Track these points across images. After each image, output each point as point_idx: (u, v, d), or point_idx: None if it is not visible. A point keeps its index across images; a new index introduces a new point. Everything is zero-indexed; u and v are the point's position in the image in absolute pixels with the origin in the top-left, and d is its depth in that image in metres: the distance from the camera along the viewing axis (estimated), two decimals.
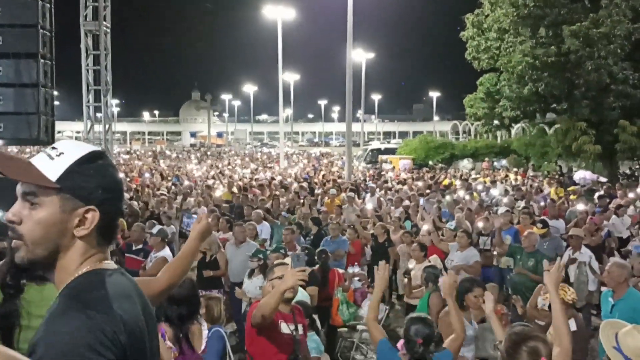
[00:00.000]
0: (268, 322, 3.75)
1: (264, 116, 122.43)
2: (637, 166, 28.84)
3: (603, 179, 21.72)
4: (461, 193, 16.05)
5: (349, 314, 7.33)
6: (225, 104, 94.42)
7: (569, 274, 7.56)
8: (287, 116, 69.88)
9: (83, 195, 1.48)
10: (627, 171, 29.23)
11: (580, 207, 11.57)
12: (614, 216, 11.83)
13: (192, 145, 78.44)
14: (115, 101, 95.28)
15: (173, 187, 18.76)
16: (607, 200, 14.78)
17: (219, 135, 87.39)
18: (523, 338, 2.59)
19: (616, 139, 22.52)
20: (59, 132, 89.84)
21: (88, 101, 9.27)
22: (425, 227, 9.54)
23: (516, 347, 2.57)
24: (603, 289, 7.04)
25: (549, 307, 5.48)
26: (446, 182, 22.11)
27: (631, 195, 15.46)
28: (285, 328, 3.92)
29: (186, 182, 20.42)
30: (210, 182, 20.72)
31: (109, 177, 1.55)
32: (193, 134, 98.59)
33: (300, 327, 4.03)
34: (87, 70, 9.21)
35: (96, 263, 1.53)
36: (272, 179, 22.64)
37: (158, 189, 17.68)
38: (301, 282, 3.68)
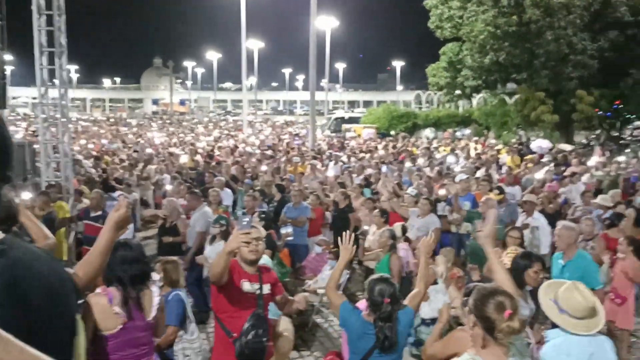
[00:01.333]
0: (223, 281, 3.84)
1: (227, 84, 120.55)
2: (593, 136, 29.67)
3: (568, 147, 22.20)
4: (421, 161, 16.29)
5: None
6: (188, 71, 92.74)
7: (523, 238, 7.81)
8: (251, 84, 69.02)
9: None
10: (584, 140, 30.09)
11: (540, 175, 11.86)
12: (570, 184, 12.19)
13: (154, 113, 76.93)
14: (73, 67, 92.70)
15: (134, 154, 18.48)
16: (563, 168, 15.24)
17: (182, 103, 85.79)
18: (491, 292, 2.70)
19: (573, 109, 23.06)
20: (13, 98, 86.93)
21: (41, 64, 8.93)
22: (386, 193, 9.68)
23: (484, 300, 2.67)
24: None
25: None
26: (415, 150, 22.31)
27: (589, 163, 15.95)
28: (248, 287, 3.98)
29: (147, 150, 20.12)
30: (173, 149, 20.48)
31: None
32: (155, 102, 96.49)
33: (266, 287, 4.09)
34: (40, 32, 8.85)
35: None
36: (236, 146, 22.50)
37: (118, 157, 17.38)
38: (244, 244, 3.73)
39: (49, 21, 8.83)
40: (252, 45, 53.70)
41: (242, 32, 35.34)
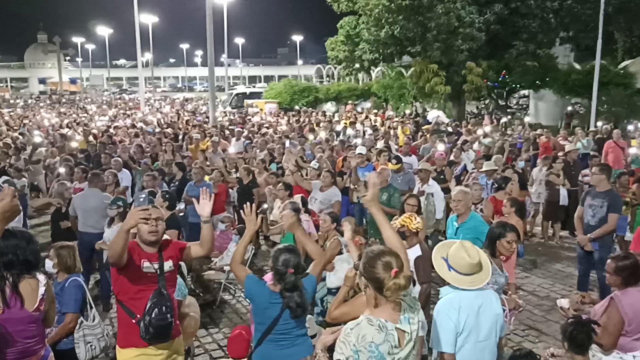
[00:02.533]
0: (123, 262, 3.75)
1: (122, 61, 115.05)
2: (483, 105, 31.36)
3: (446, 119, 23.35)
4: (323, 134, 16.50)
5: None
6: (78, 47, 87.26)
7: (420, 205, 8.18)
8: (146, 61, 66.28)
9: None
10: (475, 110, 31.74)
11: (441, 147, 12.36)
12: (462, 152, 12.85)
13: (42, 93, 72.08)
14: None
15: (20, 137, 17.29)
16: (455, 137, 16.04)
17: (73, 81, 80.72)
18: (378, 254, 2.81)
19: (464, 80, 24.20)
20: None
21: None
22: (290, 167, 9.72)
23: (372, 262, 2.77)
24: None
25: (400, 235, 5.95)
26: (317, 124, 22.50)
27: (479, 132, 16.87)
28: (148, 267, 3.91)
29: (36, 132, 18.88)
30: (64, 131, 19.35)
31: None
32: (42, 81, 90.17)
33: (167, 264, 4.02)
34: None
35: None
36: (133, 125, 21.64)
37: (2, 140, 16.18)
38: (143, 220, 3.66)
39: None
40: (146, 19, 51.38)
41: (135, 5, 33.74)
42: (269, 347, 3.90)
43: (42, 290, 3.52)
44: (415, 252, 5.52)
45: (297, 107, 33.64)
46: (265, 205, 8.23)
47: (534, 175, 10.95)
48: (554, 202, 10.29)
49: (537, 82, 26.02)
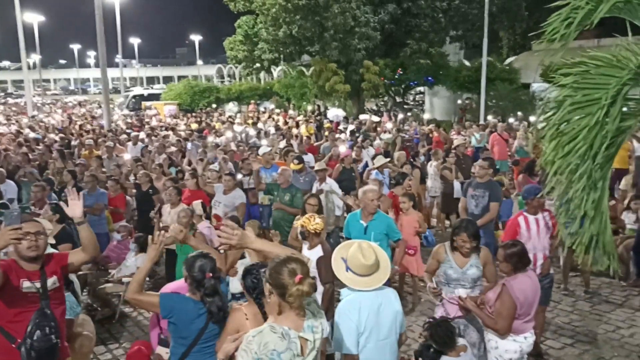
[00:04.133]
0: None
1: (5, 63, 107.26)
2: (382, 103, 32.25)
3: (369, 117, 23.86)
4: (229, 135, 16.27)
5: None
6: None
7: (321, 204, 8.25)
8: (33, 62, 62.22)
9: None
10: (374, 107, 32.58)
11: (343, 149, 12.51)
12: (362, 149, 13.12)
13: None
14: None
15: None
16: (357, 135, 16.37)
17: None
18: (284, 260, 2.77)
19: (362, 78, 24.77)
20: None
21: None
22: (191, 169, 9.48)
23: (278, 268, 2.74)
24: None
25: (301, 235, 5.95)
26: (218, 125, 22.12)
27: (378, 129, 17.33)
28: (28, 287, 3.65)
29: None
30: None
31: None
32: None
33: (51, 280, 3.75)
34: None
35: None
36: (19, 132, 20.20)
37: None
38: (14, 241, 3.41)
39: None
40: (30, 18, 48.19)
41: (16, 2, 31.51)
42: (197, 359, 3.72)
43: None
44: (317, 252, 5.54)
45: (200, 108, 32.97)
46: (165, 218, 7.95)
47: (428, 170, 11.38)
48: (448, 195, 10.75)
49: (430, 79, 27.13)
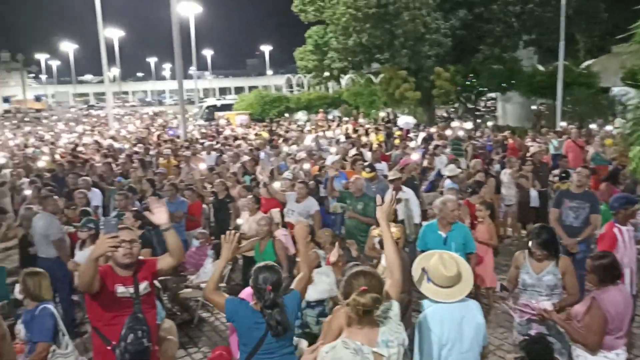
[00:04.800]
0: (94, 289, 3.66)
1: (88, 76, 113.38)
2: (452, 109, 31.73)
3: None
4: (300, 144, 16.45)
5: None
6: (42, 64, 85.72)
7: (397, 213, 8.17)
8: (114, 75, 65.44)
9: None
10: (444, 114, 32.10)
11: (415, 156, 12.39)
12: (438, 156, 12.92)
13: (7, 112, 70.44)
14: None
15: None
16: (428, 142, 16.15)
17: (37, 99, 79.18)
18: (357, 273, 2.77)
19: (433, 85, 24.45)
20: None
21: None
22: (276, 185, 9.57)
23: (349, 280, 2.74)
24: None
25: (380, 244, 5.92)
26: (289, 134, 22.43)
27: (448, 132, 17.03)
28: (122, 292, 3.81)
29: (0, 153, 18.44)
30: (29, 150, 18.92)
31: None
32: (6, 99, 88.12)
33: (142, 286, 3.91)
34: None
35: None
36: (96, 142, 21.24)
37: None
38: (112, 249, 3.56)
39: None
40: (111, 34, 50.80)
41: (99, 19, 33.26)
42: None
43: None
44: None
45: (271, 118, 33.59)
46: (239, 221, 8.13)
47: (502, 178, 11.06)
48: (525, 204, 10.40)
49: (503, 84, 26.43)
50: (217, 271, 4.01)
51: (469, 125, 20.46)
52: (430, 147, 14.47)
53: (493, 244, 7.24)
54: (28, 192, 9.91)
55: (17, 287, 4.61)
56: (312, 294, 5.65)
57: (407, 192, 8.63)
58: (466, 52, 26.02)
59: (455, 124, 20.02)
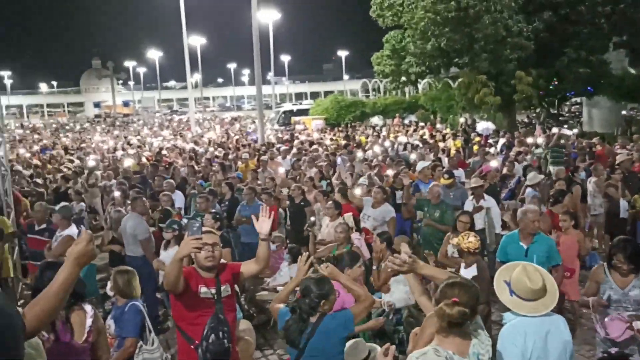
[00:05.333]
0: (178, 289, 3.80)
1: (172, 82, 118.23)
2: (534, 114, 30.62)
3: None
4: (376, 149, 16.39)
5: None
6: (130, 71, 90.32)
7: (474, 222, 7.98)
8: (196, 81, 67.89)
9: None
10: (525, 120, 31.02)
11: (494, 163, 12.08)
12: (516, 163, 12.52)
13: (97, 117, 74.73)
14: (6, 72, 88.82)
15: (77, 161, 17.92)
16: (509, 148, 15.67)
17: (126, 104, 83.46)
18: (451, 284, 2.76)
19: (514, 89, 23.69)
20: None
21: None
22: (357, 191, 9.58)
23: (444, 290, 2.73)
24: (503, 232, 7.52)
25: (458, 252, 5.81)
26: (363, 139, 22.44)
27: (529, 140, 16.44)
28: (205, 292, 3.93)
29: (91, 156, 19.55)
30: (118, 153, 19.96)
31: None
32: (97, 105, 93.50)
33: (224, 287, 4.02)
34: None
35: None
36: (175, 146, 22.05)
37: (61, 165, 16.82)
38: (196, 250, 3.68)
39: None
40: (194, 41, 52.78)
41: (183, 28, 34.69)
42: None
43: (89, 322, 3.58)
44: (471, 271, 5.38)
45: (347, 123, 33.70)
46: (312, 218, 8.20)
47: (588, 187, 10.54)
48: (613, 214, 9.86)
49: (590, 88, 25.22)
50: (288, 288, 4.11)
51: (570, 131, 19.26)
52: (511, 153, 14.05)
53: (584, 254, 6.91)
54: (117, 193, 10.43)
55: (108, 284, 4.86)
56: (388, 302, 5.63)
57: (488, 201, 8.39)
58: (550, 55, 25.00)
59: (554, 129, 19.02)
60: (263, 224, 4.10)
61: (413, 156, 14.40)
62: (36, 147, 24.90)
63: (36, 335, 2.33)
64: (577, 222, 7.07)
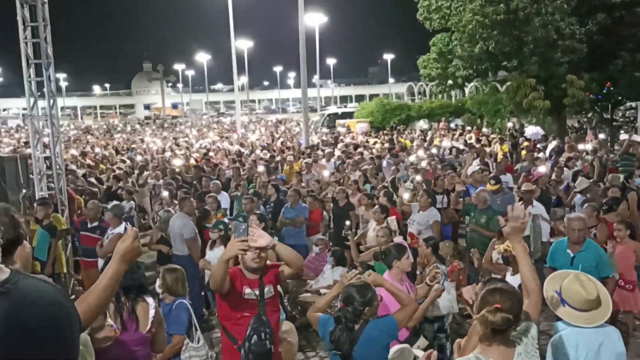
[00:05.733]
0: (224, 289, 3.85)
1: (219, 85, 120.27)
2: (585, 119, 29.70)
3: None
4: (420, 153, 16.24)
5: None
6: (179, 74, 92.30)
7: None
8: (242, 84, 68.79)
9: None
10: (576, 125, 30.13)
11: (543, 169, 11.78)
12: (565, 169, 12.19)
13: (147, 118, 76.64)
14: (62, 75, 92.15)
15: (128, 161, 18.40)
16: (558, 154, 15.25)
17: (174, 106, 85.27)
18: (493, 290, 2.69)
19: (564, 93, 23.05)
20: (4, 109, 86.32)
21: (29, 76, 8.87)
22: (406, 195, 9.54)
23: (485, 297, 2.66)
24: (552, 239, 7.31)
25: (504, 260, 5.69)
26: (409, 143, 22.29)
27: (580, 146, 15.97)
28: (249, 293, 3.97)
29: (139, 157, 20.05)
30: (167, 154, 20.41)
31: None
32: (147, 106, 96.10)
33: (268, 289, 4.05)
34: (26, 44, 8.78)
35: None
36: (220, 148, 22.32)
37: (113, 164, 17.31)
38: (242, 251, 3.71)
39: (35, 32, 8.76)
40: (242, 45, 53.51)
41: (231, 32, 35.21)
42: None
43: (152, 312, 3.70)
44: (519, 279, 5.24)
45: (391, 125, 33.51)
46: (348, 222, 8.20)
47: None
48: None
49: None
50: (326, 298, 4.12)
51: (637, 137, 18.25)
52: (561, 159, 13.68)
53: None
54: (165, 194, 10.66)
55: (157, 281, 4.97)
56: (430, 309, 5.55)
57: (537, 207, 8.19)
58: (603, 59, 24.22)
59: (624, 136, 18.07)
60: (260, 239, 3.88)
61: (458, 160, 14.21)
62: (89, 148, 25.70)
63: (85, 330, 2.36)
64: (633, 231, 6.79)
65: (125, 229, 7.48)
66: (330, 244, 9.19)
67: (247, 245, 3.71)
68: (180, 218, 7.92)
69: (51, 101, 8.95)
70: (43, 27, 8.67)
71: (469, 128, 28.82)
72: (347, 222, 8.40)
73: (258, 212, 8.72)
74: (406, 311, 3.99)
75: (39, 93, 8.93)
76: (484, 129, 27.34)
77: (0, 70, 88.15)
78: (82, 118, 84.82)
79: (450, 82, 30.34)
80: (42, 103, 9.09)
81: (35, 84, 8.85)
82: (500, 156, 15.75)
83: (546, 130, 24.05)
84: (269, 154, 18.66)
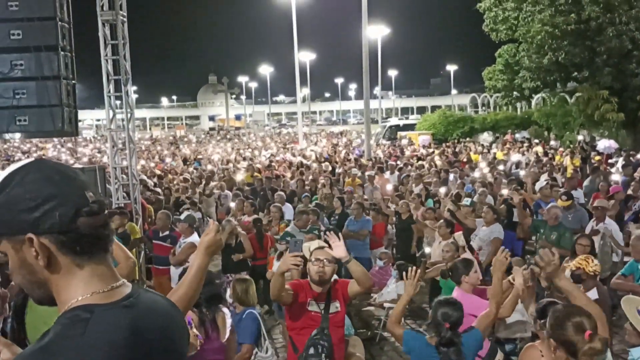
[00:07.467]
0: (284, 300, 3.97)
1: (281, 97, 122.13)
2: None
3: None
4: (483, 166, 15.89)
5: None
6: (242, 86, 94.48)
7: (594, 245, 7.51)
8: (304, 96, 69.63)
9: (12, 228, 1.26)
10: None
11: (616, 177, 11.32)
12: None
13: (212, 129, 78.80)
14: (133, 88, 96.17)
15: (194, 171, 18.94)
16: (632, 169, 14.56)
17: (237, 117, 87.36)
18: (567, 314, 2.63)
19: None
20: (79, 120, 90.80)
21: (109, 91, 9.37)
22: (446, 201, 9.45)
23: (562, 323, 2.60)
24: (627, 258, 7.02)
25: (575, 278, 5.51)
26: (475, 157, 21.86)
27: None
28: (313, 306, 4.04)
29: (209, 167, 20.56)
30: (230, 165, 20.86)
31: (32, 193, 1.26)
32: (212, 118, 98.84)
33: (334, 305, 4.09)
34: (107, 61, 9.28)
35: (88, 295, 1.29)
36: (283, 160, 22.59)
37: (181, 174, 17.87)
38: (294, 266, 3.78)
39: (114, 50, 9.23)
40: (304, 57, 54.24)
41: (294, 45, 35.74)
42: None
43: (229, 322, 3.83)
44: (592, 296, 5.09)
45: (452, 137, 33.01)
46: (427, 250, 8.10)
47: None
48: None
49: None
50: (400, 305, 4.11)
51: None
52: (637, 174, 13.07)
53: None
54: (232, 204, 10.90)
55: (227, 291, 5.11)
56: (501, 331, 5.42)
57: (609, 225, 7.87)
58: None
59: None
60: (337, 249, 4.02)
61: (522, 173, 13.84)
62: (157, 158, 26.65)
63: None
64: None
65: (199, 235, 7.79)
66: (394, 257, 9.16)
67: (300, 260, 3.78)
68: None
69: (129, 115, 9.40)
70: (122, 45, 9.14)
71: (536, 141, 28.00)
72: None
73: (326, 225, 8.80)
74: (487, 320, 3.99)
75: (116, 106, 9.40)
76: (552, 142, 26.48)
77: (78, 84, 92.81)
78: (150, 129, 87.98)
79: (516, 93, 29.67)
80: (117, 115, 9.56)
81: (114, 98, 9.32)
82: (570, 170, 15.21)
83: (620, 144, 23.07)
84: (330, 166, 18.75)
